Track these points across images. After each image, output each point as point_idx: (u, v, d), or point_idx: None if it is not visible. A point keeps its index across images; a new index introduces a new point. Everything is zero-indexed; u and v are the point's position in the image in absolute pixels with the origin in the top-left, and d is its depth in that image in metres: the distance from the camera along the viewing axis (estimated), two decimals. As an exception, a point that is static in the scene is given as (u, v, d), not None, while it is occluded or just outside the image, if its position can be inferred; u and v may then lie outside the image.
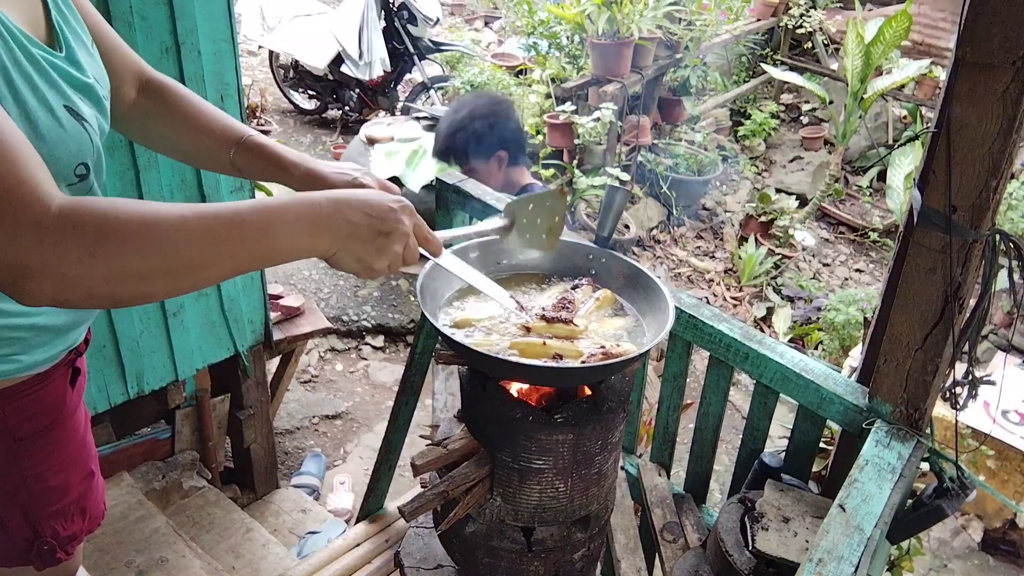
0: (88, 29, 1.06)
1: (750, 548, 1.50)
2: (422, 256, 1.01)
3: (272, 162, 1.14)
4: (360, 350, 4.25)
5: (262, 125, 4.67)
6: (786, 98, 7.80)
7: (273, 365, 3.08)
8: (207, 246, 0.79)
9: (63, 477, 1.20)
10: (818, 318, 5.14)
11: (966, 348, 1.41)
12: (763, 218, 6.13)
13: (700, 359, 3.82)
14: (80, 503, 1.25)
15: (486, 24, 8.68)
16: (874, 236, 6.51)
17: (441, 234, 1.05)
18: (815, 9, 7.41)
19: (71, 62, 0.97)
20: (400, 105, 5.86)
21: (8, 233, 0.71)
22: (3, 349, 1.04)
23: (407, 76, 6.09)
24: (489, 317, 1.33)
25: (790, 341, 5.03)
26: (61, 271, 0.73)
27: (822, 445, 1.90)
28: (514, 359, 1.20)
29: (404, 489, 2.59)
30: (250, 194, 2.37)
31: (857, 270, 6.31)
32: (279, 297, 2.83)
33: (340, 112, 6.14)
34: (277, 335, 2.70)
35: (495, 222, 1.21)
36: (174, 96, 1.18)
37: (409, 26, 5.62)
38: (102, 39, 1.10)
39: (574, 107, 5.44)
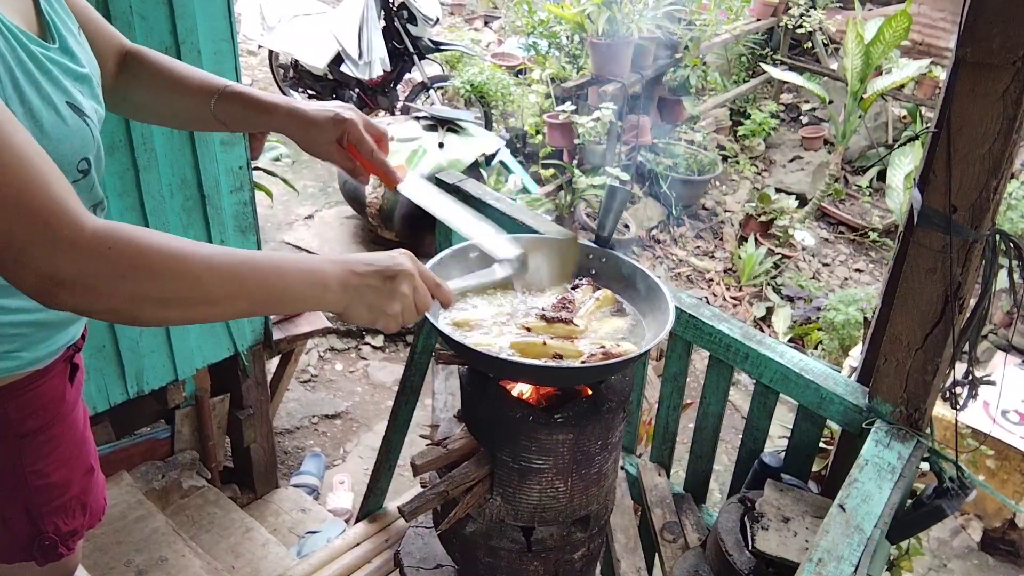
0: (76, 12, 1.07)
1: (750, 548, 1.50)
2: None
3: (253, 107, 1.16)
4: (360, 350, 4.25)
5: (262, 125, 4.69)
6: (786, 98, 7.80)
7: (273, 365, 3.08)
8: (226, 283, 0.86)
9: (64, 473, 1.21)
10: (818, 318, 5.14)
11: (966, 348, 1.41)
12: (763, 218, 6.13)
13: (700, 359, 3.82)
14: (81, 499, 1.26)
15: (486, 24, 8.68)
16: (874, 236, 6.51)
17: (454, 284, 1.13)
18: (815, 9, 7.41)
19: (65, 53, 0.97)
20: (400, 105, 5.86)
21: (48, 250, 0.76)
22: (5, 346, 1.04)
23: (407, 76, 6.08)
24: (489, 317, 1.33)
25: (790, 341, 5.03)
26: (93, 286, 0.78)
27: (822, 445, 1.90)
28: (514, 359, 1.20)
29: (404, 489, 2.58)
30: (249, 194, 2.37)
31: (857, 270, 6.31)
32: (279, 297, 2.82)
33: (340, 112, 6.12)
34: (277, 335, 2.69)
35: (506, 269, 1.25)
36: (151, 61, 1.19)
37: (409, 26, 5.61)
38: (87, 21, 1.11)
39: (574, 107, 5.44)
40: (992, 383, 1.46)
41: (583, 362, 1.21)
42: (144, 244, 0.80)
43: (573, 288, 1.42)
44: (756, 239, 6.00)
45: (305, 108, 1.16)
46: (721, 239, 6.35)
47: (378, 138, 1.20)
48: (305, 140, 1.18)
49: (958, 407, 1.43)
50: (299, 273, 0.91)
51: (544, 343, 1.23)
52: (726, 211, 6.63)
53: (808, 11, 7.32)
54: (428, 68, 5.75)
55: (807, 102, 7.69)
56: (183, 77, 1.18)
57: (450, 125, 4.48)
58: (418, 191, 1.20)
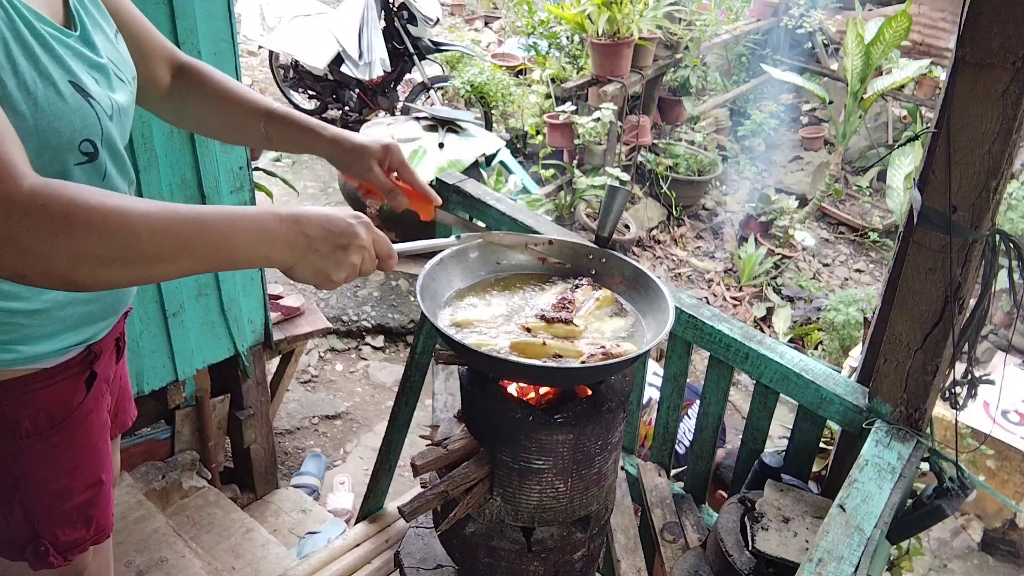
0: (120, 18, 1.12)
1: (750, 548, 1.50)
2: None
3: (300, 128, 1.23)
4: (360, 350, 4.25)
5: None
6: (786, 98, 7.80)
7: (273, 365, 3.08)
8: (167, 240, 0.83)
9: (65, 482, 1.17)
10: (818, 318, 5.15)
11: (966, 348, 1.41)
12: (763, 218, 6.13)
13: (700, 359, 3.82)
14: (85, 511, 1.22)
15: (486, 24, 8.68)
16: (874, 236, 6.51)
17: (398, 247, 1.10)
18: (815, 9, 7.41)
19: (85, 43, 0.99)
20: (400, 105, 5.86)
21: None
22: (0, 336, 1.03)
23: (407, 76, 6.09)
24: (489, 317, 1.33)
25: (790, 341, 5.04)
26: (24, 245, 0.76)
27: (822, 445, 1.90)
28: (514, 359, 1.20)
29: (404, 489, 2.59)
30: (249, 195, 2.37)
31: (857, 270, 6.31)
32: (279, 297, 2.83)
33: (340, 112, 6.13)
34: (277, 335, 2.70)
35: (448, 240, 1.32)
36: (207, 76, 1.25)
37: (409, 26, 5.61)
38: (134, 25, 1.16)
39: (574, 107, 5.44)
40: (992, 383, 1.46)
41: (583, 362, 1.21)
42: (80, 200, 0.78)
43: (573, 288, 1.42)
44: (756, 239, 6.00)
45: (349, 134, 1.22)
46: (721, 239, 6.35)
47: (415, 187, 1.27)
48: (346, 164, 1.23)
49: (958, 407, 1.43)
50: (245, 231, 0.88)
51: (544, 343, 1.23)
52: (726, 211, 6.63)
53: (808, 11, 7.32)
54: (428, 68, 5.75)
55: (807, 102, 7.69)
56: (237, 95, 1.24)
57: (450, 125, 4.48)
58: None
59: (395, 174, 1.26)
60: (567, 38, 5.96)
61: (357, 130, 4.80)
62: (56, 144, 0.92)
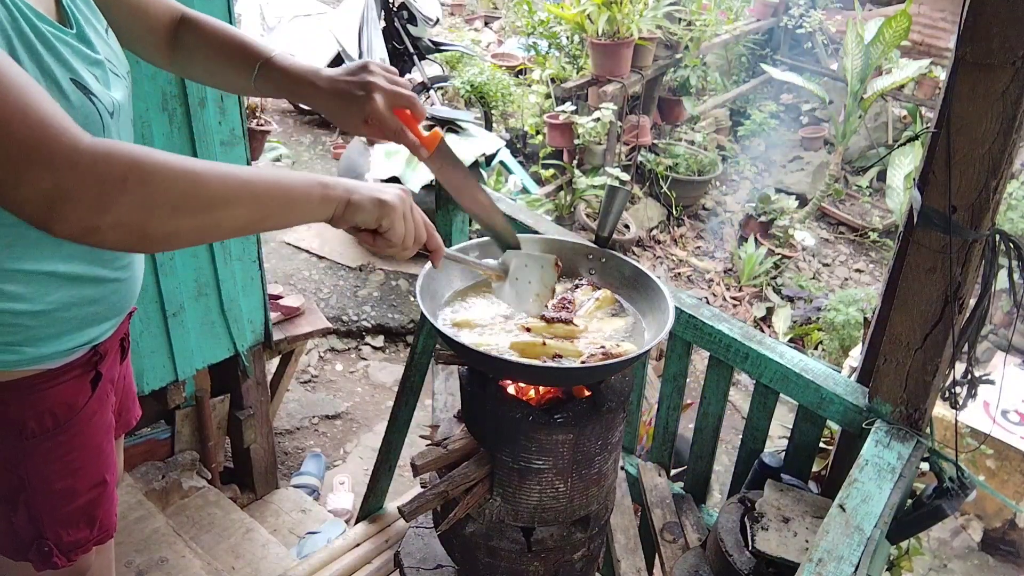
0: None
1: (750, 548, 1.50)
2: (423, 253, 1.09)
3: (296, 74, 1.18)
4: (360, 350, 4.25)
5: (262, 125, 4.66)
6: (786, 98, 7.80)
7: (273, 365, 3.07)
8: (230, 182, 0.86)
9: (69, 482, 1.17)
10: (818, 318, 5.15)
11: (966, 348, 1.41)
12: (763, 218, 6.13)
13: (700, 359, 3.82)
14: (88, 511, 1.22)
15: (486, 24, 8.68)
16: (874, 236, 6.51)
17: (449, 252, 1.16)
18: (815, 9, 7.41)
19: (81, 39, 1.00)
20: (400, 105, 5.85)
21: (46, 164, 0.76)
22: (5, 337, 1.02)
23: (407, 76, 6.08)
24: (489, 317, 1.33)
25: (790, 341, 5.03)
26: (96, 195, 0.77)
27: (822, 445, 1.89)
28: (514, 359, 1.20)
29: (404, 489, 2.59)
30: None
31: (857, 270, 6.31)
32: (279, 297, 2.83)
33: (340, 112, 6.13)
34: (277, 335, 2.70)
35: (492, 263, 1.28)
36: (204, 27, 1.24)
37: (409, 26, 5.61)
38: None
39: (574, 107, 5.44)
40: (992, 383, 1.46)
41: (583, 362, 1.21)
42: (140, 149, 0.81)
43: (573, 288, 1.42)
44: (756, 239, 6.00)
45: (336, 85, 1.14)
46: (721, 239, 6.35)
47: (407, 106, 1.17)
48: (336, 117, 1.17)
49: (958, 407, 1.43)
50: (300, 177, 0.94)
51: (544, 343, 1.23)
52: (726, 211, 6.64)
53: (808, 11, 7.33)
54: (428, 68, 5.74)
55: (807, 102, 7.69)
56: (231, 44, 1.22)
57: (450, 125, 4.48)
58: (443, 169, 1.20)
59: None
60: (567, 38, 5.96)
61: (357, 130, 4.79)
62: None
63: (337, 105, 1.14)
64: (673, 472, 2.01)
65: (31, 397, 1.08)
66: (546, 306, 1.33)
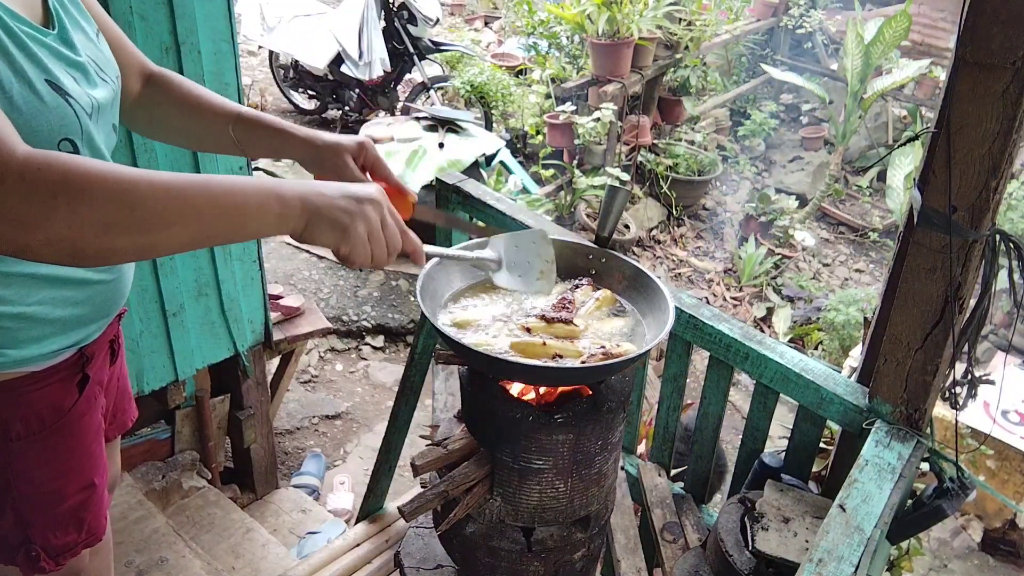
0: (96, 23, 1.09)
1: (750, 548, 1.50)
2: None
3: (271, 130, 1.17)
4: (360, 350, 4.25)
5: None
6: (786, 98, 7.80)
7: (273, 365, 3.08)
8: (172, 201, 0.80)
9: (56, 485, 1.16)
10: (818, 318, 5.15)
11: (966, 348, 1.41)
12: (763, 218, 6.13)
13: (700, 359, 3.82)
14: (77, 514, 1.21)
15: (486, 24, 8.68)
16: (874, 236, 6.51)
17: (432, 249, 1.09)
18: (815, 9, 7.41)
19: (62, 41, 0.98)
20: (400, 105, 5.86)
21: None
22: None
23: (407, 76, 6.08)
24: (489, 317, 1.33)
25: (790, 341, 5.03)
26: (22, 212, 0.73)
27: (822, 445, 1.89)
28: (514, 359, 1.20)
29: (404, 489, 2.59)
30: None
31: (857, 270, 6.31)
32: (279, 297, 2.83)
33: (340, 112, 6.13)
34: (277, 335, 2.70)
35: (487, 252, 1.24)
36: (175, 83, 1.22)
37: (409, 26, 5.61)
38: (108, 36, 1.13)
39: (574, 107, 5.44)
40: (992, 383, 1.46)
41: (583, 362, 1.21)
42: (77, 164, 0.76)
43: (573, 288, 1.42)
44: (756, 239, 6.00)
45: (321, 133, 1.17)
46: (721, 239, 6.35)
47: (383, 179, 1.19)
48: (320, 163, 1.16)
49: (958, 407, 1.43)
50: (253, 190, 0.85)
51: (544, 343, 1.23)
52: (726, 211, 6.64)
53: (808, 11, 7.33)
54: (428, 68, 5.75)
55: (807, 102, 7.69)
56: (205, 101, 1.20)
57: (450, 125, 4.48)
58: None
59: (367, 174, 1.20)
60: (567, 38, 5.96)
61: (357, 131, 4.80)
62: (34, 143, 0.90)
63: (319, 152, 1.15)
64: (673, 472, 2.01)
65: (16, 399, 1.08)
66: (556, 281, 1.29)
